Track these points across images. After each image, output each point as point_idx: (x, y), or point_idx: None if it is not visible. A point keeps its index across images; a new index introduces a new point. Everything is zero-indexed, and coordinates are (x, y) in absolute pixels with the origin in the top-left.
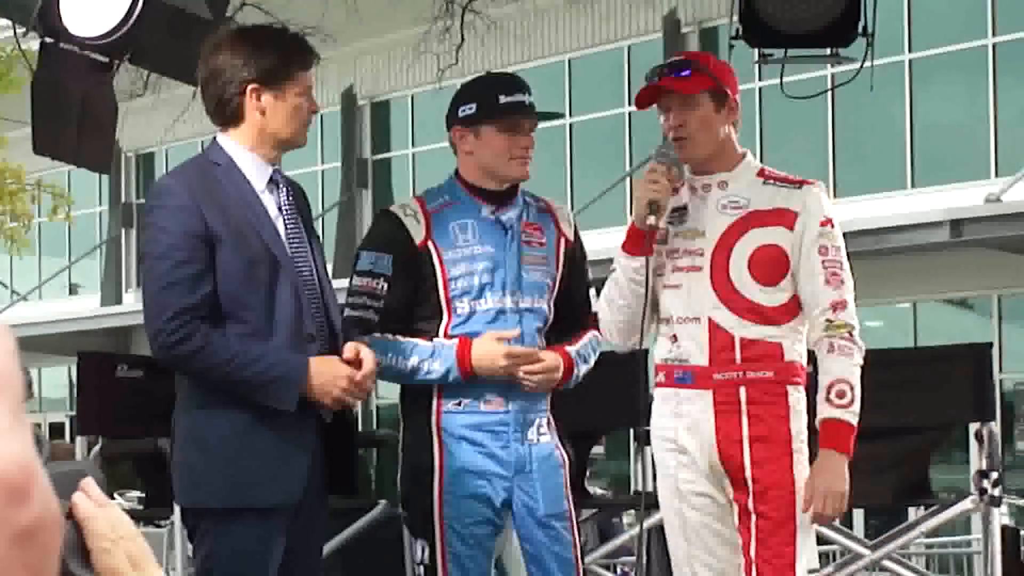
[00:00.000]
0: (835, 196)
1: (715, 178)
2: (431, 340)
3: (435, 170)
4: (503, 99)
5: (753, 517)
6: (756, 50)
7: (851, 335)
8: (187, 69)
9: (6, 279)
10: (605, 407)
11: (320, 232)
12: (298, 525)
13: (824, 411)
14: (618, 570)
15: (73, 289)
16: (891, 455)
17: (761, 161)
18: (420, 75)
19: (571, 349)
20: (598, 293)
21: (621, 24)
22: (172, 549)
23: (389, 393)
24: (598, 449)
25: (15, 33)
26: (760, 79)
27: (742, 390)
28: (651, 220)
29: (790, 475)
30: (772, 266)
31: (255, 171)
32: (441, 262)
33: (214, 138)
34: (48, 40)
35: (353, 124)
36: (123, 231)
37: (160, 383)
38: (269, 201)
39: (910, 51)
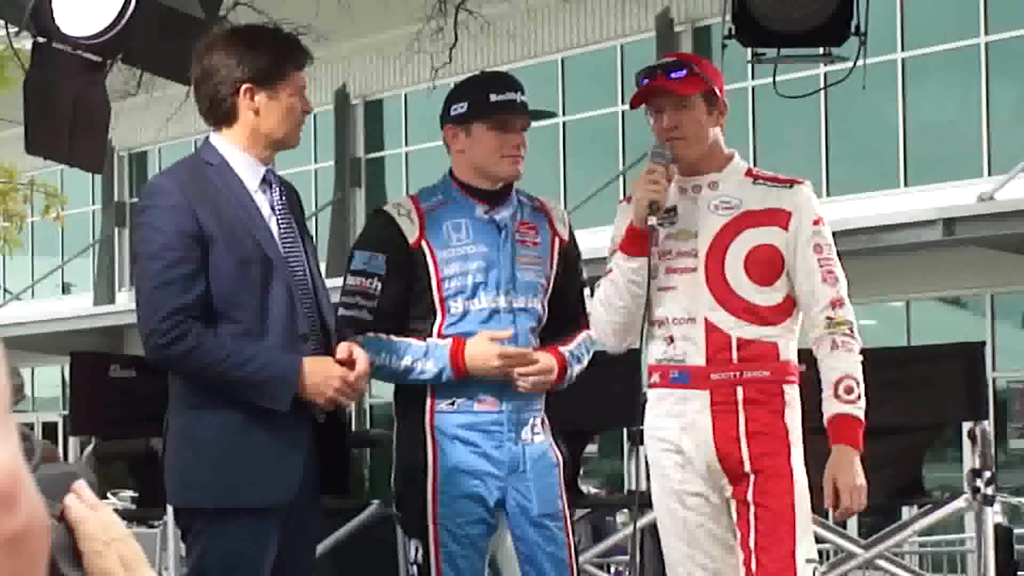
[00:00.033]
0: (828, 195)
1: (705, 179)
2: (425, 340)
3: (428, 169)
4: (494, 97)
5: (752, 508)
6: (749, 49)
7: (851, 331)
8: (180, 69)
9: None
10: (599, 406)
11: (313, 231)
12: (291, 525)
13: (834, 407)
14: (612, 569)
15: (66, 288)
16: (884, 454)
17: (754, 160)
18: (413, 74)
19: (565, 350)
20: (592, 292)
21: (614, 23)
22: (165, 549)
23: (382, 392)
24: (591, 448)
25: (8, 32)
26: (753, 78)
27: (739, 390)
28: (652, 220)
29: (788, 467)
30: (767, 266)
31: (248, 171)
32: (435, 262)
33: (207, 138)
34: (41, 40)
35: (346, 123)
36: (116, 230)
37: (153, 383)
38: (262, 201)
39: (903, 50)
